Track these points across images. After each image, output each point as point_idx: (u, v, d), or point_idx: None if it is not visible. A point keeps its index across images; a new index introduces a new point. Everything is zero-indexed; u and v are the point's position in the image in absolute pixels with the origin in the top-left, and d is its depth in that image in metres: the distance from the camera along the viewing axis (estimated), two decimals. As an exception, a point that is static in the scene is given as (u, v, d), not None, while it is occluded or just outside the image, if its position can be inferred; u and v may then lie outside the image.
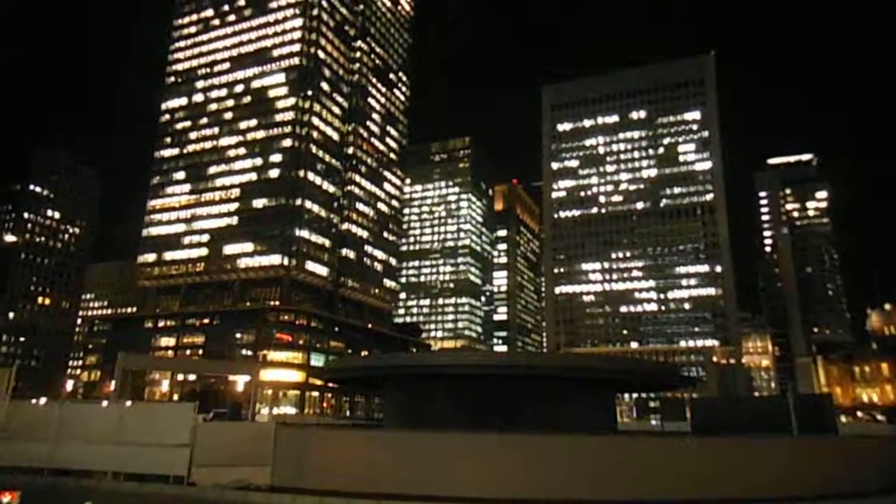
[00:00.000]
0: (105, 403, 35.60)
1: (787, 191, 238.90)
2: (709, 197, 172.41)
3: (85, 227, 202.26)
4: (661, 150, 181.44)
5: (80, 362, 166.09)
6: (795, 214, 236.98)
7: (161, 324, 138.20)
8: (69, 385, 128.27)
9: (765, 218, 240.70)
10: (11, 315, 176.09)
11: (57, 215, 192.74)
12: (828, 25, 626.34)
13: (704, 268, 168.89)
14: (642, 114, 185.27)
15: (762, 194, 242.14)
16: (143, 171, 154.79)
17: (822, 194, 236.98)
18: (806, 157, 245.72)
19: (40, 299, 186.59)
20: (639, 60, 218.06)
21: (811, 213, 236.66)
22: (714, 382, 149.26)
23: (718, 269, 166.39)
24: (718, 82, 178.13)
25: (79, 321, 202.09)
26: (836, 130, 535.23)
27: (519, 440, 18.78)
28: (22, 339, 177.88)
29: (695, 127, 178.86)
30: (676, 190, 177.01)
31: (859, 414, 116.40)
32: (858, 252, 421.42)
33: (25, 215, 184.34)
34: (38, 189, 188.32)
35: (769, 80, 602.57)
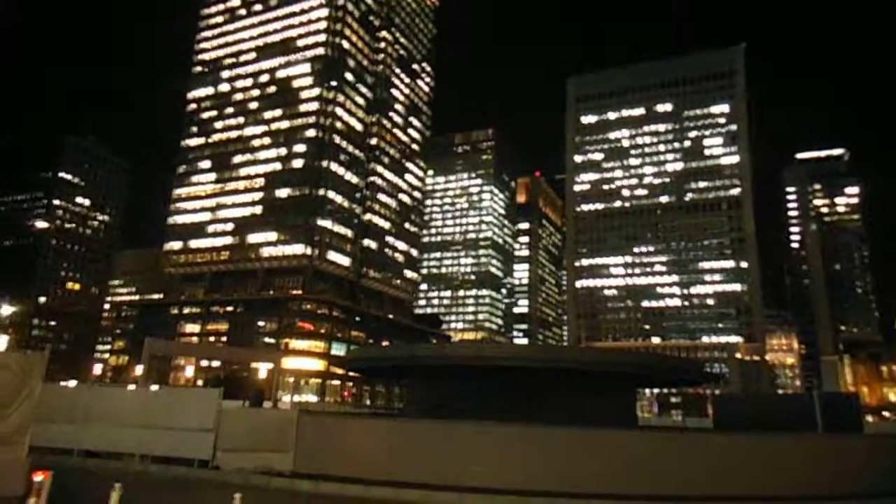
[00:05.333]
0: (132, 387, 36.43)
1: (817, 186, 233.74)
2: (735, 191, 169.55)
3: (114, 214, 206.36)
4: (687, 143, 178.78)
5: (108, 346, 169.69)
6: (824, 210, 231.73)
7: (186, 310, 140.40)
8: (97, 369, 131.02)
9: (792, 213, 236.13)
10: (43, 299, 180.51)
11: (87, 202, 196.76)
12: (861, 16, 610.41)
13: (730, 263, 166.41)
14: (668, 106, 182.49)
15: (790, 189, 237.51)
16: (171, 159, 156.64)
17: (852, 190, 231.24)
18: (837, 151, 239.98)
19: (70, 284, 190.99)
20: (666, 52, 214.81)
21: (841, 208, 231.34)
22: (737, 379, 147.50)
23: (744, 264, 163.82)
24: (748, 75, 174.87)
25: (107, 306, 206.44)
26: (868, 125, 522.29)
27: (539, 433, 18.81)
28: (52, 322, 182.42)
29: (722, 120, 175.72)
30: (702, 184, 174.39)
31: (886, 414, 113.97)
32: (889, 249, 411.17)
33: (56, 202, 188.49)
34: (68, 177, 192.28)
35: (800, 73, 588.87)
